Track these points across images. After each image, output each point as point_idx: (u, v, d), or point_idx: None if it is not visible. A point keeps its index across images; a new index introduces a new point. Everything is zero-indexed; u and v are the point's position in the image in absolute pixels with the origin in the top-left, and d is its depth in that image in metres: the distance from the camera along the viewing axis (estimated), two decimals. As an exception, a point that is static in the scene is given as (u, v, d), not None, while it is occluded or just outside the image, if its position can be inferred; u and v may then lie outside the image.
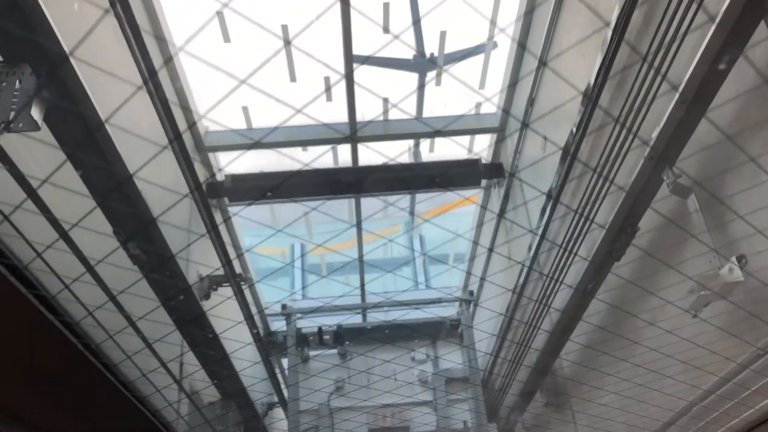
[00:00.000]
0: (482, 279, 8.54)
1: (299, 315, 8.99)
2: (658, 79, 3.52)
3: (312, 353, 9.17)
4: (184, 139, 4.12)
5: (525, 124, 6.45)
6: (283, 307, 8.93)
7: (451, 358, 8.86)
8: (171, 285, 4.21)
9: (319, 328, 8.97)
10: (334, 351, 9.18)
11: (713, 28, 2.80)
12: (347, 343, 9.08)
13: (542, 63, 5.73)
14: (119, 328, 3.33)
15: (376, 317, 9.44)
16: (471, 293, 9.00)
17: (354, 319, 9.45)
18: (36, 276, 2.46)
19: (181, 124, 5.63)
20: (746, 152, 3.12)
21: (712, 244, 3.52)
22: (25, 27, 2.73)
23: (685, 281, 3.59)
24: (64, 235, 2.73)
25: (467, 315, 8.89)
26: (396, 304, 9.23)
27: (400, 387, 7.74)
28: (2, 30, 2.73)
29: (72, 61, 2.76)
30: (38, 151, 3.08)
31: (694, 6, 3.11)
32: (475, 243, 8.97)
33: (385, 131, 7.23)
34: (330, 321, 9.11)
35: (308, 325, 9.18)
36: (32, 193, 2.51)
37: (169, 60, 5.26)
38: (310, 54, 1.94)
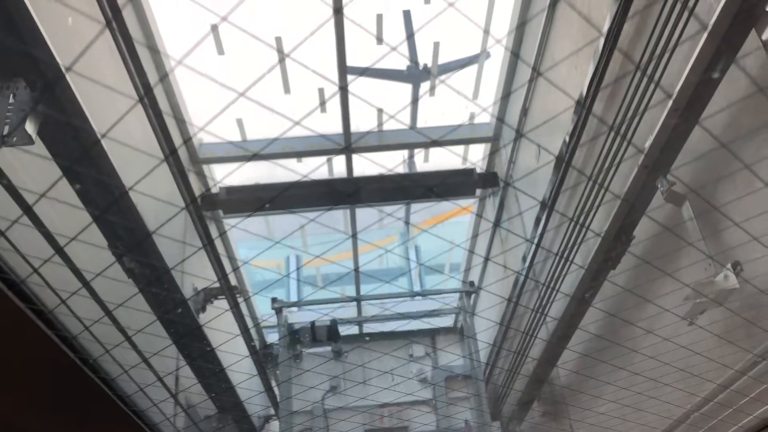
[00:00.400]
0: (478, 288, 8.51)
1: (293, 314, 8.79)
2: (651, 87, 3.54)
3: (305, 351, 8.88)
4: (179, 153, 4.11)
5: (520, 134, 6.48)
6: (273, 300, 8.59)
7: (450, 368, 8.80)
8: (167, 298, 4.19)
9: (312, 323, 8.51)
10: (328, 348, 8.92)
11: (705, 36, 2.83)
12: (344, 353, 8.87)
13: (536, 71, 5.76)
14: (116, 341, 3.31)
15: (372, 327, 9.36)
16: (471, 284, 8.74)
17: (350, 329, 9.34)
18: (33, 290, 2.45)
19: (175, 136, 5.62)
20: (740, 159, 3.13)
21: (708, 252, 3.53)
22: (20, 42, 2.72)
23: (681, 289, 3.60)
24: (60, 251, 2.72)
25: (467, 324, 8.79)
26: (394, 316, 9.12)
27: (398, 386, 7.68)
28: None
29: (67, 76, 2.76)
30: (32, 165, 3.07)
31: (685, 15, 3.13)
32: (471, 252, 8.95)
33: (380, 142, 7.25)
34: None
35: (301, 320, 8.91)
36: (28, 210, 2.49)
37: (164, 76, 5.26)
38: (305, 65, 1.95)
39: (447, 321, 9.54)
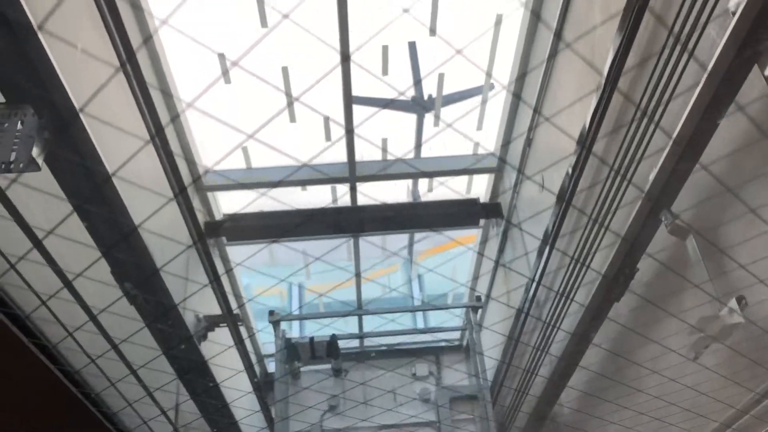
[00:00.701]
0: (480, 326, 8.33)
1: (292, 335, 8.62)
2: (652, 126, 3.56)
3: (303, 369, 8.62)
4: (184, 182, 4.12)
5: (520, 172, 6.50)
6: (271, 313, 8.21)
7: (455, 388, 8.63)
8: (172, 334, 4.17)
9: (311, 339, 8.16)
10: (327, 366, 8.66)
11: (705, 76, 2.85)
12: (344, 370, 8.61)
13: (538, 113, 5.80)
14: (113, 374, 3.29)
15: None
16: (478, 298, 8.50)
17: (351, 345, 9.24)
18: (37, 325, 2.45)
19: (181, 165, 5.65)
20: (743, 201, 3.14)
21: (712, 287, 3.52)
22: (31, 73, 2.75)
23: (686, 324, 3.58)
24: (68, 285, 2.73)
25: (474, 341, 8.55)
26: (397, 332, 8.95)
27: (400, 408, 7.54)
28: (5, 72, 2.75)
29: (79, 113, 2.78)
30: (39, 196, 3.09)
31: (685, 56, 3.16)
32: (473, 290, 8.76)
33: (384, 171, 7.29)
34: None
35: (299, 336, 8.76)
36: (38, 244, 2.50)
37: (175, 117, 5.30)
38: (314, 108, 1.98)
39: (452, 340, 9.43)
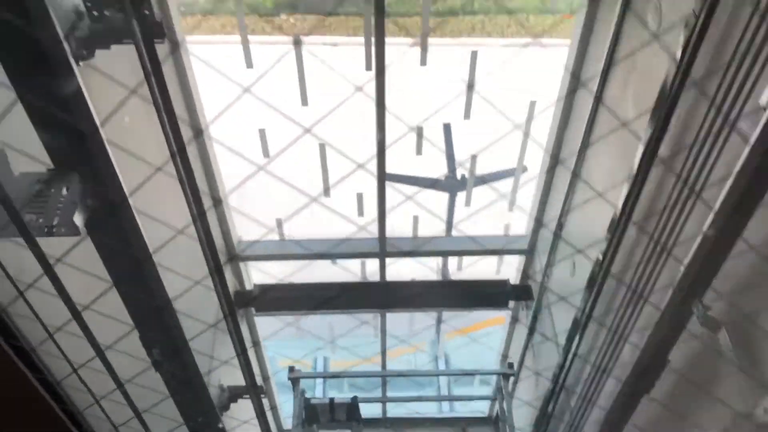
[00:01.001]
0: (505, 424, 8.06)
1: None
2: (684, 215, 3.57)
3: None
4: (219, 258, 4.19)
5: (545, 288, 6.48)
6: (291, 370, 8.01)
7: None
8: (194, 403, 4.19)
9: (331, 400, 7.79)
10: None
11: (736, 170, 2.86)
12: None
13: (560, 228, 5.85)
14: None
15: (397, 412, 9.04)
16: (510, 365, 8.13)
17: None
18: (66, 391, 2.50)
19: (216, 234, 5.75)
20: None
21: (745, 383, 3.42)
22: (87, 162, 2.85)
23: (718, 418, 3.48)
24: (100, 354, 2.78)
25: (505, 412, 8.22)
26: (422, 399, 8.72)
27: None
28: (55, 140, 2.87)
29: (130, 200, 2.89)
30: (77, 264, 3.18)
31: (717, 147, 3.19)
32: (496, 377, 8.46)
33: (414, 248, 7.33)
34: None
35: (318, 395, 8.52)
36: (77, 315, 2.58)
37: (218, 203, 5.46)
38: (347, 217, 2.05)
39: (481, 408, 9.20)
